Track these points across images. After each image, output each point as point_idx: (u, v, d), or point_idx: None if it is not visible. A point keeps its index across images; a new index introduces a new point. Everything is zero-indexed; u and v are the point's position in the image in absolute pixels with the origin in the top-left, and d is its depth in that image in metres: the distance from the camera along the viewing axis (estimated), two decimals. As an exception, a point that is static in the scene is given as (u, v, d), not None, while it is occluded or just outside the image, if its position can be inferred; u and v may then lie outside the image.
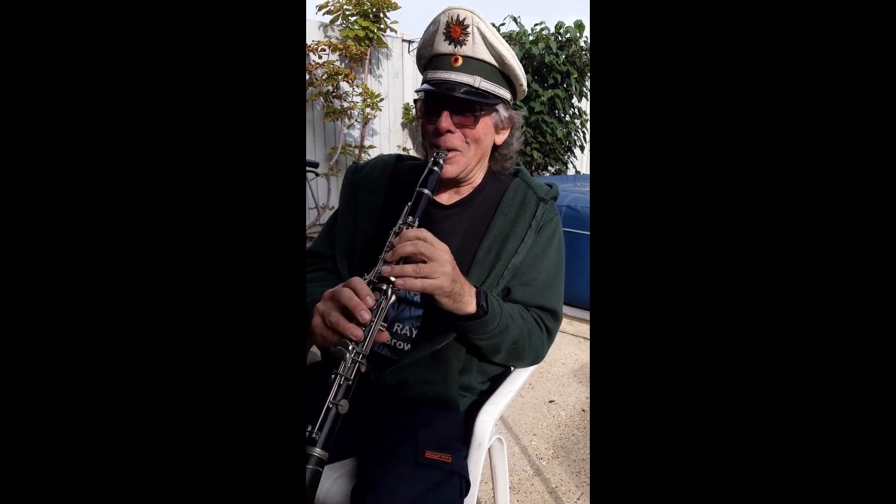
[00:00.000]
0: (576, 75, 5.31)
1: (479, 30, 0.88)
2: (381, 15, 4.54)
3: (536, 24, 5.43)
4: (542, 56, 5.18)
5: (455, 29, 0.88)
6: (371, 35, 4.53)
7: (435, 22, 0.91)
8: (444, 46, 0.90)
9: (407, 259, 0.76)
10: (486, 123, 0.94)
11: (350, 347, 0.69)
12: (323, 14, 4.48)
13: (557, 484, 1.67)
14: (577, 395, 2.22)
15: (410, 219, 0.83)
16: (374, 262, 0.79)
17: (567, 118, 5.66)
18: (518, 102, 1.02)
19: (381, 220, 1.01)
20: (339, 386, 0.67)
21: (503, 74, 0.94)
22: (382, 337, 0.74)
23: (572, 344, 2.71)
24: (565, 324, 2.95)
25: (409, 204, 0.85)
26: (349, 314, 0.72)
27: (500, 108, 0.96)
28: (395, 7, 4.50)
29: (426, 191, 0.85)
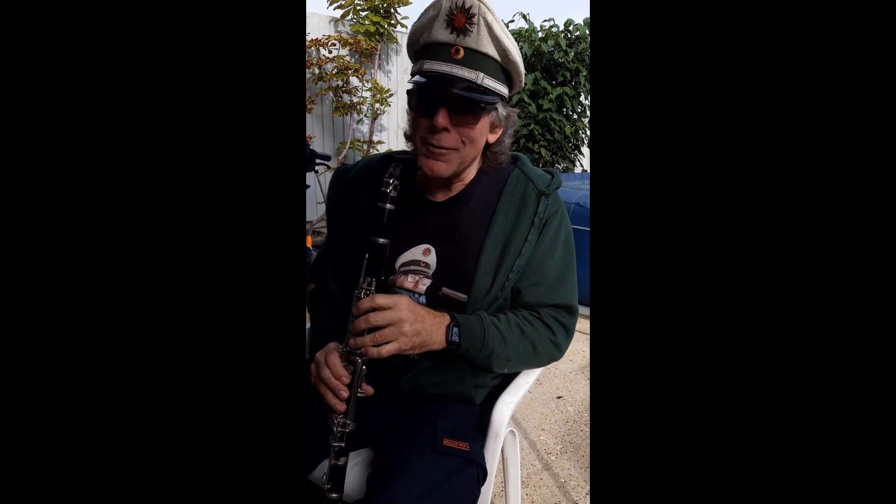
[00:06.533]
0: (584, 73, 5.30)
1: (485, 21, 0.78)
2: (392, 10, 4.54)
3: (545, 21, 5.42)
4: (552, 53, 5.17)
5: (459, 17, 0.78)
6: (381, 30, 4.53)
7: (436, 6, 0.81)
8: (443, 35, 0.81)
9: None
10: (483, 123, 0.88)
11: (337, 419, 0.81)
12: (334, 9, 4.49)
13: (566, 479, 1.68)
14: (585, 392, 2.22)
15: (368, 281, 0.81)
16: (357, 280, 0.83)
17: (575, 116, 5.64)
18: (524, 98, 0.98)
19: (364, 232, 0.91)
20: (333, 448, 0.81)
21: (504, 69, 0.86)
22: (367, 391, 0.82)
23: (580, 341, 2.71)
24: (573, 321, 2.94)
25: (366, 260, 0.82)
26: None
27: (499, 105, 0.89)
28: (406, 2, 4.50)
29: (381, 240, 0.81)
